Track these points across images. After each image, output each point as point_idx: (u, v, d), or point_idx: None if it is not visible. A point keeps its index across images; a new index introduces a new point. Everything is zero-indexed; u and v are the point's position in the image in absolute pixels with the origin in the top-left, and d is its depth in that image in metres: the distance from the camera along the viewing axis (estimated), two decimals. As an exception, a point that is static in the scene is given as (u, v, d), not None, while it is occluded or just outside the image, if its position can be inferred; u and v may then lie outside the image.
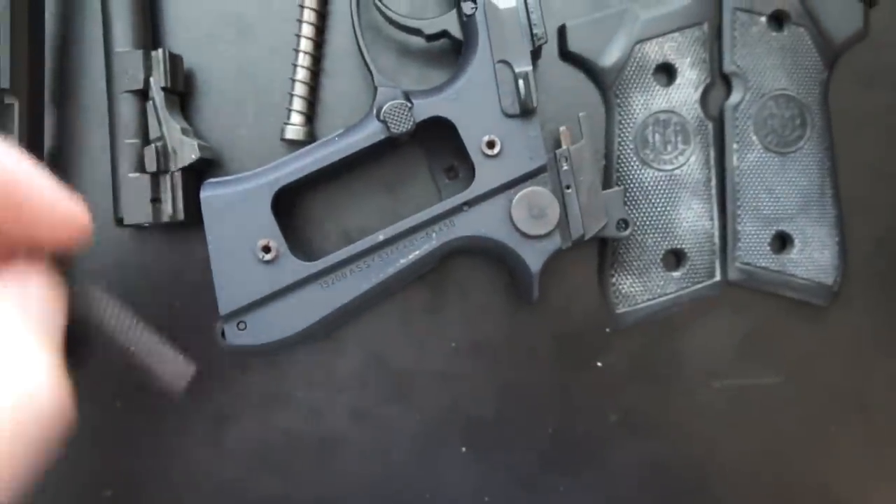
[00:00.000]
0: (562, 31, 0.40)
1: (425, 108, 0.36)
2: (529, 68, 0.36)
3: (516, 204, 0.36)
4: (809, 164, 0.41)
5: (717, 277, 0.41)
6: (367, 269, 0.36)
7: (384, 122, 0.36)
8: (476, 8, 0.36)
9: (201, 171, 0.39)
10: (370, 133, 0.36)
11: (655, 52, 0.40)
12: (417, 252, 0.36)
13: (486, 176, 0.36)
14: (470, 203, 0.36)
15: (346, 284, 0.36)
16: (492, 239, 0.36)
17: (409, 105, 0.36)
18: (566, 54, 0.40)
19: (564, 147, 0.37)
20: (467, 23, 0.37)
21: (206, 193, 0.36)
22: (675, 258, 0.41)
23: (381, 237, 0.36)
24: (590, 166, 0.37)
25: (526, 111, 0.36)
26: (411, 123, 0.36)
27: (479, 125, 0.36)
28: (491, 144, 0.36)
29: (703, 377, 0.42)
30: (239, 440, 0.41)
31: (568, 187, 0.37)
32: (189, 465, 0.41)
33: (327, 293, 0.36)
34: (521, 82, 0.36)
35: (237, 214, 0.36)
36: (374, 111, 0.36)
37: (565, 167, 0.37)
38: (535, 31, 0.36)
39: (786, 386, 0.42)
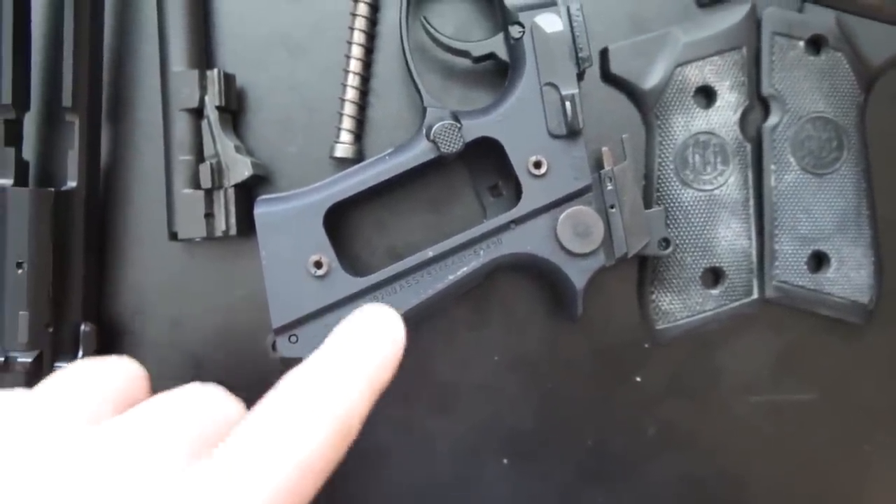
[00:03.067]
0: (604, 54, 0.41)
1: (474, 129, 0.37)
2: (576, 91, 0.37)
3: (562, 222, 0.37)
4: (846, 186, 0.41)
5: (755, 295, 0.41)
6: (416, 285, 0.37)
7: (434, 141, 0.37)
8: (523, 32, 0.37)
9: (252, 187, 0.40)
10: (420, 152, 0.37)
11: (696, 74, 0.41)
12: (465, 269, 0.37)
13: (533, 195, 0.37)
14: (517, 221, 0.37)
15: (396, 300, 0.37)
16: (537, 256, 0.37)
17: (458, 126, 0.37)
18: (608, 76, 0.41)
19: (609, 167, 0.38)
20: (514, 46, 0.38)
21: (259, 210, 0.37)
22: (714, 276, 0.42)
23: (430, 254, 0.37)
24: (632, 186, 0.38)
25: (572, 132, 0.37)
26: (461, 144, 0.37)
27: (527, 146, 0.37)
28: (538, 164, 0.37)
29: (739, 393, 0.43)
30: (284, 450, 0.42)
31: (612, 207, 0.38)
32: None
33: (377, 308, 0.37)
34: (568, 104, 0.37)
35: (290, 230, 0.37)
36: (424, 131, 0.37)
37: (609, 187, 0.38)
38: (580, 54, 0.37)
39: (821, 403, 0.43)
